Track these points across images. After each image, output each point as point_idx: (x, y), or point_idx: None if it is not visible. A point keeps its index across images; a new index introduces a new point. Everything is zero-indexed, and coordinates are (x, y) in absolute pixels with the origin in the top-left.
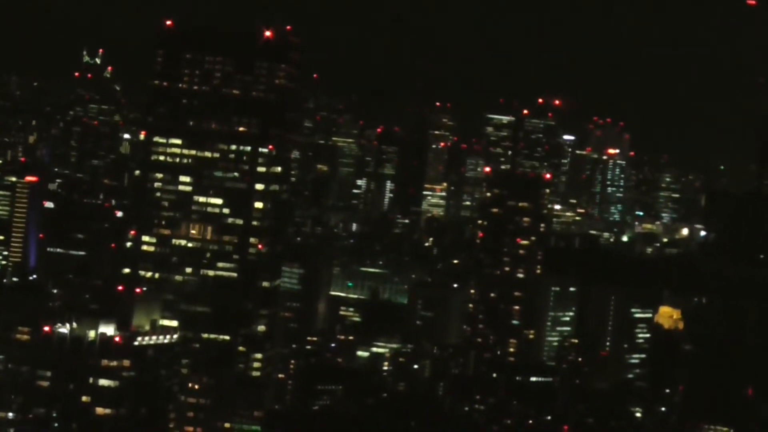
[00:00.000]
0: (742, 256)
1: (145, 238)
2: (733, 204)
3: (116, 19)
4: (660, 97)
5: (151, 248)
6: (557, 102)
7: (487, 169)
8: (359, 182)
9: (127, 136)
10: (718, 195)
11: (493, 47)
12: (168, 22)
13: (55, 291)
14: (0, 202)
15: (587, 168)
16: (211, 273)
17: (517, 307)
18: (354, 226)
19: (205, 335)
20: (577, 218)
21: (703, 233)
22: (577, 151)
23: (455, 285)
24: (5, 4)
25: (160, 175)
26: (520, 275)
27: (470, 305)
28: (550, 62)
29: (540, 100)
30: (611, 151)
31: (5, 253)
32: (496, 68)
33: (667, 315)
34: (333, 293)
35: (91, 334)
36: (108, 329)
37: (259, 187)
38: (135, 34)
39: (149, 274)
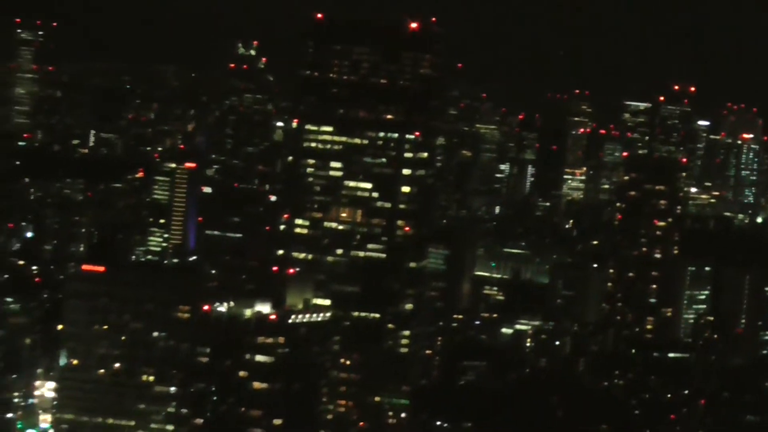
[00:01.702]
0: None
1: (298, 221)
2: None
3: (269, 12)
4: None
5: (304, 231)
6: (692, 89)
7: (625, 153)
8: (501, 167)
9: (279, 124)
10: None
11: (630, 35)
12: (318, 15)
13: (213, 272)
14: (160, 188)
15: (721, 152)
16: (360, 254)
17: (654, 287)
18: (497, 209)
19: (355, 313)
20: (712, 201)
21: None
22: (712, 136)
23: (594, 265)
24: None
25: (311, 161)
26: (657, 256)
27: (609, 284)
28: (684, 48)
29: (675, 87)
30: (745, 135)
31: (166, 235)
32: (633, 55)
33: None
34: (477, 273)
35: (248, 312)
36: (263, 308)
37: (405, 172)
38: (287, 28)
39: (302, 255)
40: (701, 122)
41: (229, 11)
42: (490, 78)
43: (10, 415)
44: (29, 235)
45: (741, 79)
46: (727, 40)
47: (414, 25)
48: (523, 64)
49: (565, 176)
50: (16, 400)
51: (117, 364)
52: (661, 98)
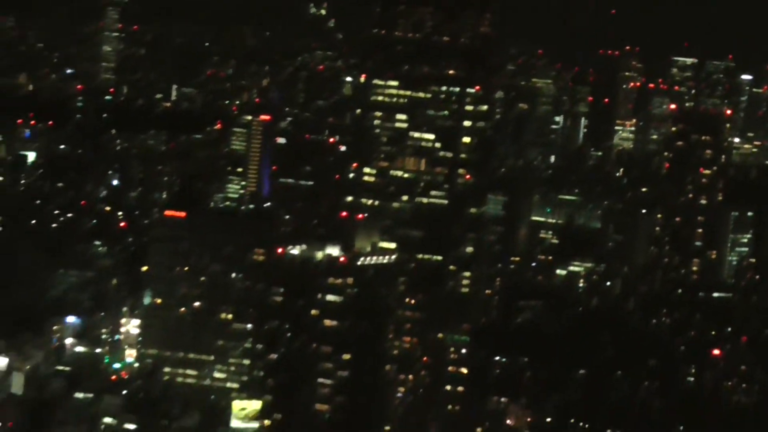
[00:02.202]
0: None
1: (366, 170)
2: None
3: None
4: None
5: (371, 179)
6: (735, 47)
7: (673, 106)
8: (556, 119)
9: (348, 79)
10: None
11: None
12: None
13: (286, 217)
14: (237, 139)
15: (764, 105)
16: (424, 200)
17: (699, 231)
18: (552, 159)
19: (419, 256)
20: (754, 150)
21: None
22: (755, 90)
23: (643, 211)
24: None
25: (378, 114)
26: (702, 202)
27: (656, 229)
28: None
29: (720, 45)
30: None
31: (242, 183)
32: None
33: None
34: (533, 219)
35: (319, 255)
36: (333, 251)
37: (466, 124)
38: None
39: (369, 201)
40: (744, 76)
41: None
42: (546, 35)
43: (98, 350)
44: (115, 183)
45: None
46: None
47: None
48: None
49: (616, 128)
50: (103, 336)
51: (197, 303)
52: (707, 54)
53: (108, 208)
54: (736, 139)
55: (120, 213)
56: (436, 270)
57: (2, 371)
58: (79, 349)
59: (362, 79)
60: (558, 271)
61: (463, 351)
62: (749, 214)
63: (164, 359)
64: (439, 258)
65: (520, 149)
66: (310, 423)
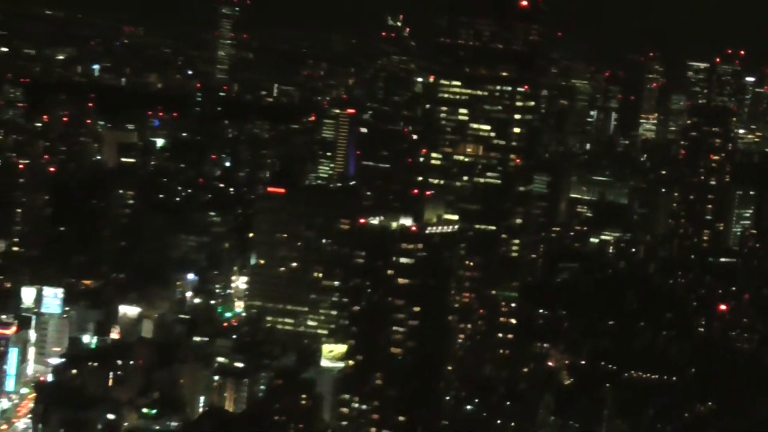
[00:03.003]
0: None
1: (433, 155)
2: None
3: None
4: None
5: (438, 162)
6: (741, 52)
7: (688, 103)
8: (591, 113)
9: (419, 79)
10: None
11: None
12: None
13: (367, 193)
14: (328, 128)
15: (764, 102)
16: (481, 180)
17: (709, 206)
18: (587, 146)
19: (477, 226)
20: (756, 140)
21: None
22: (757, 89)
23: (663, 190)
24: None
25: (444, 108)
26: (712, 182)
27: (674, 205)
28: (740, 16)
29: (729, 51)
30: None
31: (331, 165)
32: (695, 24)
33: None
34: (571, 195)
35: (394, 224)
36: (406, 221)
37: (516, 116)
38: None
39: (436, 181)
40: (749, 78)
41: None
42: (584, 42)
43: (212, 301)
44: (227, 164)
45: None
46: None
47: (524, 2)
48: (612, 31)
49: (641, 120)
50: (217, 290)
51: (294, 264)
52: (717, 60)
53: (221, 185)
54: (741, 130)
55: (231, 189)
56: (490, 237)
57: (135, 318)
58: (197, 300)
59: (431, 79)
60: (591, 239)
61: (512, 305)
62: (751, 192)
63: (267, 310)
64: (493, 227)
65: (561, 138)
66: (386, 363)
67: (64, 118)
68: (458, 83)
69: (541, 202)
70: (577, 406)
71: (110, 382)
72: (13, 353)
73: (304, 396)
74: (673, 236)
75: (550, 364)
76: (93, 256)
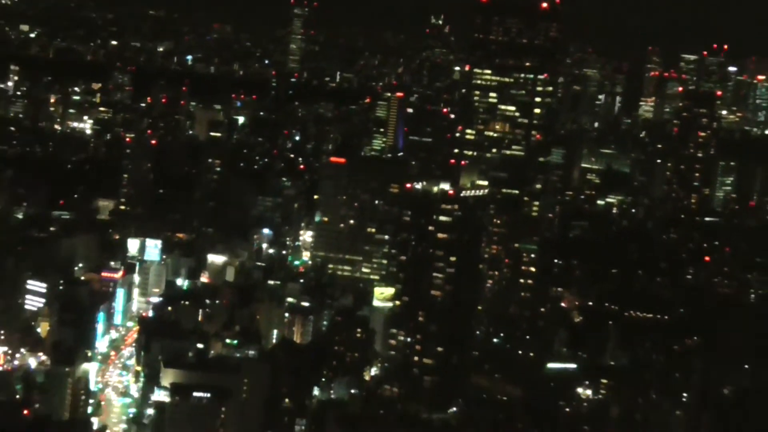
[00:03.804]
0: None
1: (468, 131)
2: None
3: None
4: None
5: (472, 137)
6: (725, 47)
7: (680, 88)
8: (600, 97)
9: (457, 68)
10: None
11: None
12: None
13: (413, 163)
14: (381, 109)
15: (745, 88)
16: (508, 152)
17: (697, 175)
18: (596, 124)
19: (504, 190)
20: (737, 120)
21: None
22: (738, 77)
23: (658, 161)
24: None
25: (477, 92)
26: (700, 155)
27: (668, 173)
28: (727, 15)
29: (715, 45)
30: (759, 77)
31: (384, 139)
32: (686, 23)
33: None
34: (582, 165)
35: (435, 189)
36: (445, 186)
37: (537, 99)
38: (464, 5)
39: (470, 152)
40: (731, 68)
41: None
42: (594, 37)
43: (284, 252)
44: (297, 138)
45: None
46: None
47: (545, 5)
48: (617, 29)
49: (641, 103)
50: (288, 242)
51: (352, 221)
52: (705, 53)
53: (292, 155)
54: (724, 112)
55: (300, 158)
56: (514, 200)
57: (220, 265)
58: (271, 251)
59: (467, 68)
60: (599, 202)
61: (533, 256)
62: (732, 163)
63: (329, 259)
64: (517, 191)
65: (574, 117)
66: (428, 304)
67: (163, 100)
68: (489, 72)
69: (557, 171)
70: (585, 340)
71: (200, 318)
72: (120, 293)
73: (359, 330)
74: (667, 199)
75: (563, 305)
76: (186, 214)
